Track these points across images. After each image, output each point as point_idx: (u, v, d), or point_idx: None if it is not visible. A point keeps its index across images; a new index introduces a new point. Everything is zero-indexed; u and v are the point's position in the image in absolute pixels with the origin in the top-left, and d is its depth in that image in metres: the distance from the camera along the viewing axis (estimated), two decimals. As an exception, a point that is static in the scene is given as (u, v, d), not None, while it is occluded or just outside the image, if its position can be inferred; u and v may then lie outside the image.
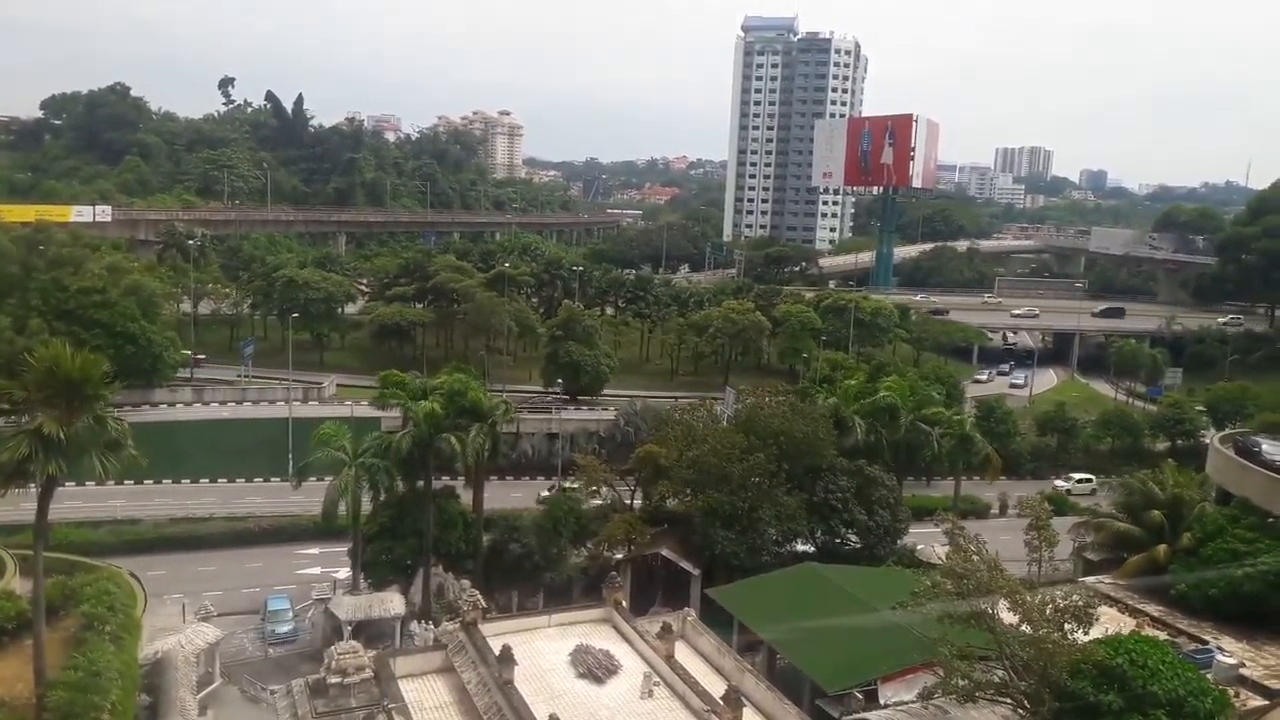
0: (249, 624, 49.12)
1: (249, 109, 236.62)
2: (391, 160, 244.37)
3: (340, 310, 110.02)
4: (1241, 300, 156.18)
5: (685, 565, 50.35)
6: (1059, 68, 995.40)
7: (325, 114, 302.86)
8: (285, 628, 48.09)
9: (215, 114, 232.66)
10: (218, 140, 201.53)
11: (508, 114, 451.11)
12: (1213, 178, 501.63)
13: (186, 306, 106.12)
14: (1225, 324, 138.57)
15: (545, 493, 68.31)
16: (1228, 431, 62.15)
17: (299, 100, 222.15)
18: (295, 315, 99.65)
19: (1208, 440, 66.49)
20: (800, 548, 53.43)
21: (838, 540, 54.17)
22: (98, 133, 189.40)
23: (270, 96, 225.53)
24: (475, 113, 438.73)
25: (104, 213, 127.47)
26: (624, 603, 37.77)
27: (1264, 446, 51.50)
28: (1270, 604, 43.17)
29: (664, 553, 51.17)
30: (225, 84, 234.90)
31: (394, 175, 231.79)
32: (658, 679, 31.12)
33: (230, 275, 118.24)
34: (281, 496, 65.59)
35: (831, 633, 37.48)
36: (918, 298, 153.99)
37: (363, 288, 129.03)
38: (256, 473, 73.04)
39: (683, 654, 33.48)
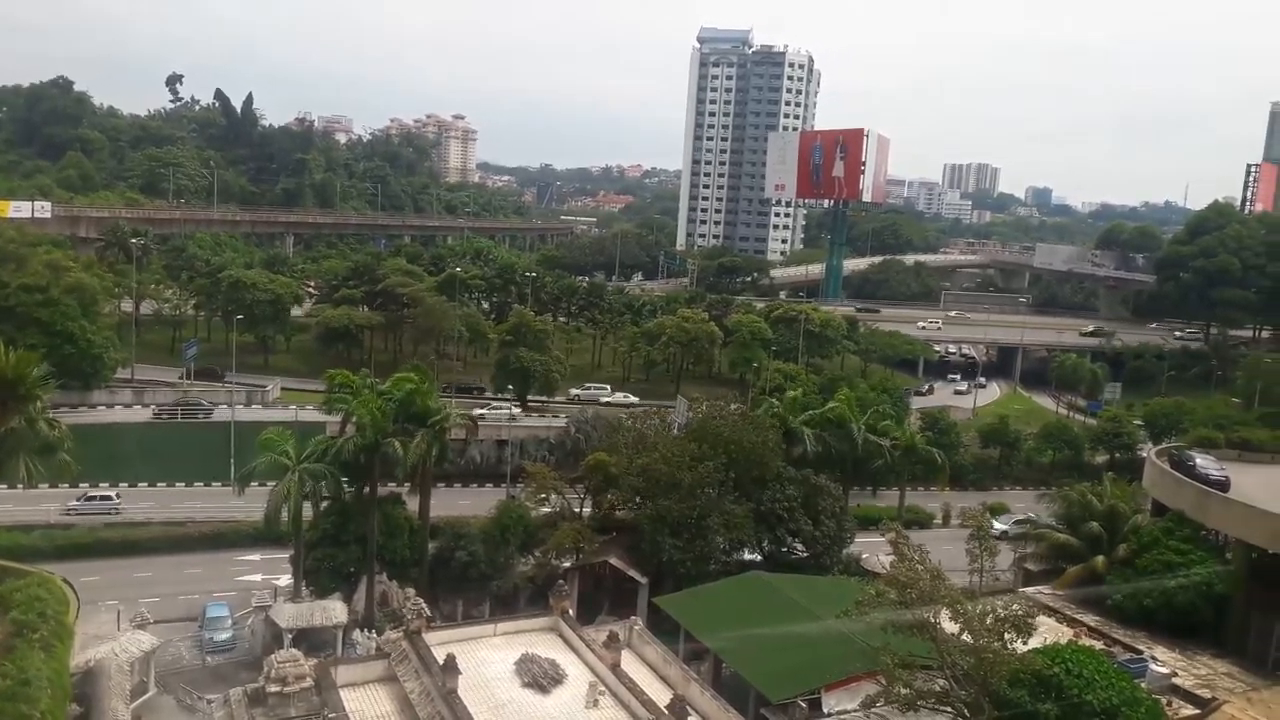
0: (186, 632, 47.99)
1: (197, 107, 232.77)
2: (342, 162, 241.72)
3: (287, 313, 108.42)
4: (1178, 318, 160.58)
5: (633, 574, 50.31)
6: (1007, 87, 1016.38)
7: (276, 114, 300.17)
8: (224, 635, 47.07)
9: (162, 111, 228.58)
10: (164, 138, 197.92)
11: (462, 118, 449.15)
12: (1153, 197, 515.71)
13: (127, 306, 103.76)
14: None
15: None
16: (1164, 446, 63.68)
17: (248, 99, 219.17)
18: (240, 317, 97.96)
19: (1145, 454, 68.13)
20: (748, 556, 53.71)
21: (784, 549, 54.54)
22: (38, 127, 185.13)
23: (219, 95, 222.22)
24: (429, 116, 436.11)
25: (43, 209, 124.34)
26: (571, 611, 37.64)
27: (1198, 461, 53.00)
28: (1201, 615, 44.40)
29: (612, 561, 51.10)
30: (173, 81, 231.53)
31: (344, 177, 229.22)
32: (603, 688, 31.03)
33: (173, 275, 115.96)
34: (222, 501, 64.34)
35: (777, 641, 37.69)
36: (853, 308, 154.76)
37: (310, 290, 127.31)
38: (197, 477, 71.68)
39: (629, 663, 33.41)
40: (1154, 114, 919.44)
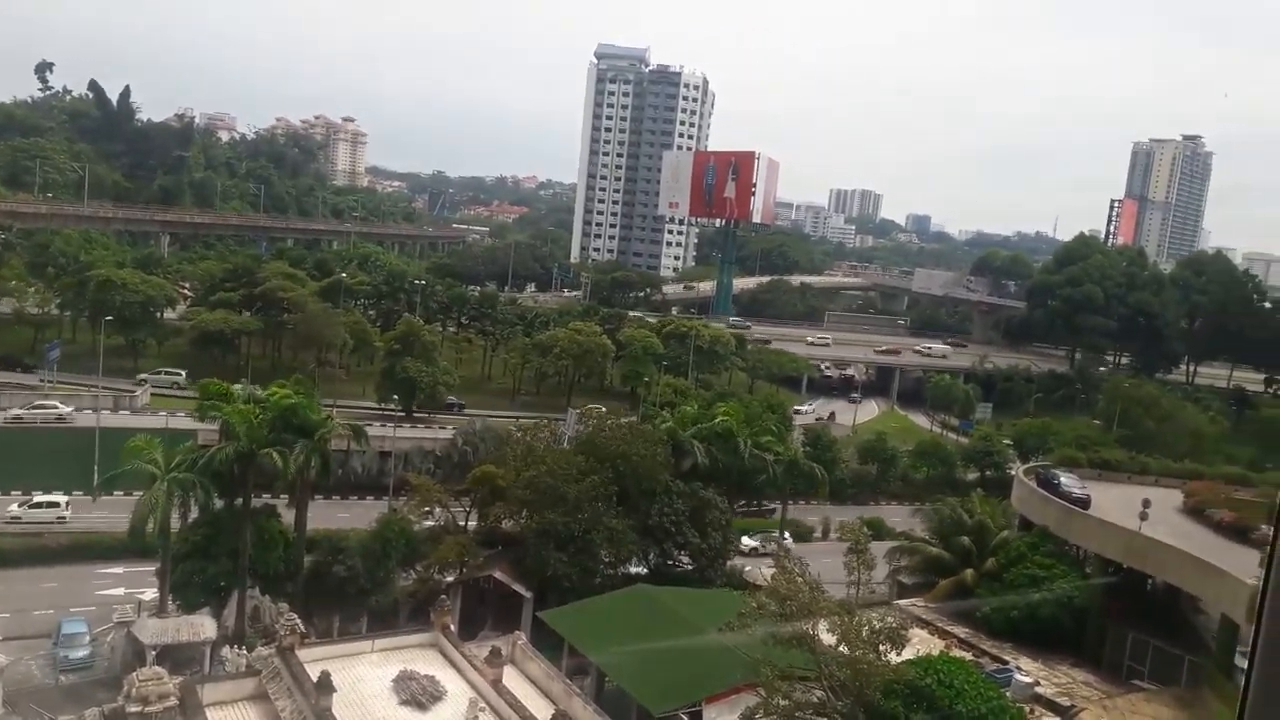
0: (39, 649, 45.24)
1: (68, 97, 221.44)
2: (224, 160, 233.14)
3: (159, 315, 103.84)
4: (1046, 343, 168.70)
5: (517, 588, 49.79)
6: (889, 120, 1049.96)
7: (155, 109, 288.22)
8: (81, 653, 44.45)
9: (29, 100, 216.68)
10: (30, 128, 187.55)
11: (351, 120, 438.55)
12: (1025, 227, 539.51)
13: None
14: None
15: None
16: (1031, 465, 66.53)
17: (125, 92, 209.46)
18: (109, 318, 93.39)
19: (1013, 472, 71.06)
20: (634, 569, 53.79)
21: (670, 562, 54.87)
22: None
23: (93, 86, 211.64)
24: (317, 117, 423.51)
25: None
26: (453, 627, 37.01)
27: (1062, 480, 55.54)
28: (1063, 626, 46.51)
29: (497, 575, 50.50)
30: (43, 69, 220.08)
31: (225, 176, 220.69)
32: (483, 705, 30.57)
33: (37, 273, 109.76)
34: (83, 511, 61.16)
35: (659, 655, 37.81)
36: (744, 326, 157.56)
37: (185, 292, 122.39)
38: (56, 484, 67.65)
39: (511, 679, 33.02)
40: (1027, 150, 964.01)
